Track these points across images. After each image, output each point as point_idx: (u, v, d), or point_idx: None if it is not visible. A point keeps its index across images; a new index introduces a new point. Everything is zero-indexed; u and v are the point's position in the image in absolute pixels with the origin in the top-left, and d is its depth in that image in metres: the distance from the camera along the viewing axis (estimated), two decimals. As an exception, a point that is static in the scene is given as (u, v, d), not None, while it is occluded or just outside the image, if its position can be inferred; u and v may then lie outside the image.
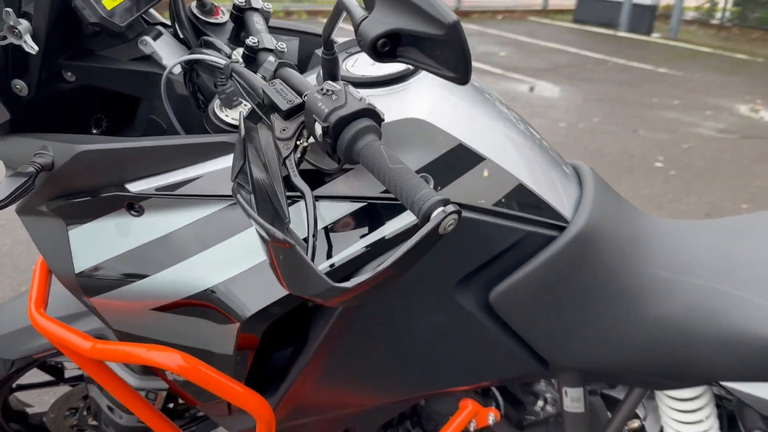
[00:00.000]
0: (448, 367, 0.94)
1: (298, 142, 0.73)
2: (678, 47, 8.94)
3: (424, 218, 0.61)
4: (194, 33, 0.96)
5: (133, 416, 1.36)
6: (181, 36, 0.97)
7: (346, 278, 0.68)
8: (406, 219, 0.79)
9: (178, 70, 0.91)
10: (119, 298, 0.89)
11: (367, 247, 0.79)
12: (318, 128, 0.68)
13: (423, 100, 0.83)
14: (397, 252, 0.60)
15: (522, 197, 0.84)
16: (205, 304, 0.84)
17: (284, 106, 0.73)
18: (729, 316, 0.88)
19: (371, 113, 0.69)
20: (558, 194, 0.89)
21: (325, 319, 0.86)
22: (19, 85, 0.89)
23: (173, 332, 0.89)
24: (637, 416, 1.09)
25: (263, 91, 0.76)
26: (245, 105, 0.84)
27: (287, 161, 0.72)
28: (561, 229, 0.87)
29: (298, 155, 0.73)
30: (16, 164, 0.88)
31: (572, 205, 0.90)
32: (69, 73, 0.93)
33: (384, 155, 0.66)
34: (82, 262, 0.89)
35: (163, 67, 0.90)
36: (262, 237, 0.60)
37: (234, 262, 0.81)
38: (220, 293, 0.82)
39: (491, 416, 1.04)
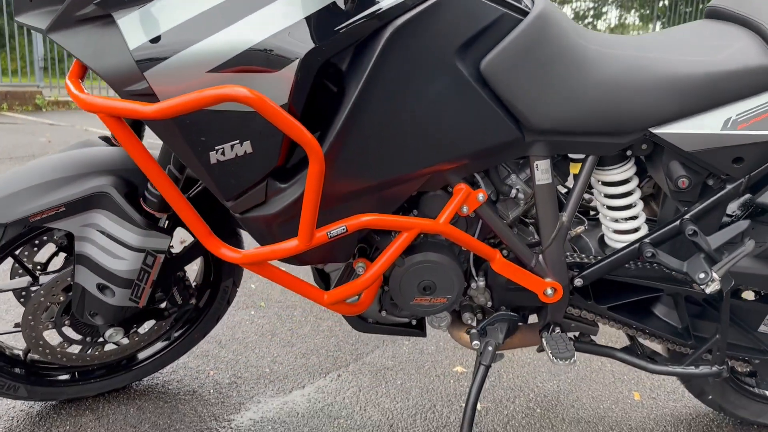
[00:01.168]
0: (446, 136, 1.18)
1: None
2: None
3: None
4: None
5: (125, 291, 1.39)
6: None
7: None
8: None
9: None
10: (176, 65, 1.03)
11: None
12: None
13: None
14: None
15: None
16: (256, 61, 1.03)
17: None
18: (656, 69, 1.24)
19: None
20: None
21: (354, 86, 1.10)
22: None
23: None
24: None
25: None
26: None
27: None
28: (527, 13, 1.18)
29: None
30: None
31: (531, 3, 1.22)
32: None
33: None
34: (136, 41, 1.03)
35: None
36: None
37: (279, 19, 1.03)
38: (272, 44, 1.03)
39: (480, 196, 1.27)
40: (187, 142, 1.07)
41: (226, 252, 1.16)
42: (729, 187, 1.29)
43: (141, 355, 1.73)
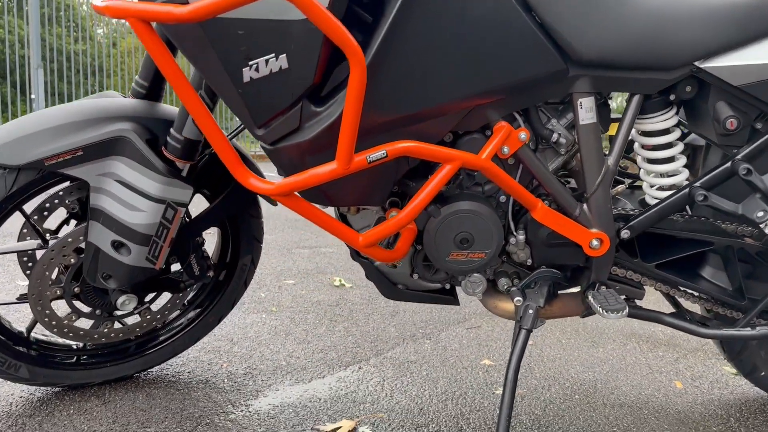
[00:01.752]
0: (487, 63, 1.12)
1: None
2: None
3: None
4: None
5: (142, 249, 1.29)
6: None
7: None
8: None
9: None
10: None
11: None
12: None
13: None
14: None
15: None
16: None
17: None
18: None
19: None
20: None
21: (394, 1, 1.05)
22: None
23: None
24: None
25: None
26: None
27: None
28: None
29: None
30: None
31: None
32: None
33: None
34: None
35: None
36: None
37: None
38: None
39: (522, 135, 1.21)
40: (219, 58, 1.01)
41: (255, 182, 1.08)
42: None
43: (151, 341, 1.61)
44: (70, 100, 9.44)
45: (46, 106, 9.09)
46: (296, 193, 1.12)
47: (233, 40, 1.00)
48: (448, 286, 1.42)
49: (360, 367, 1.78)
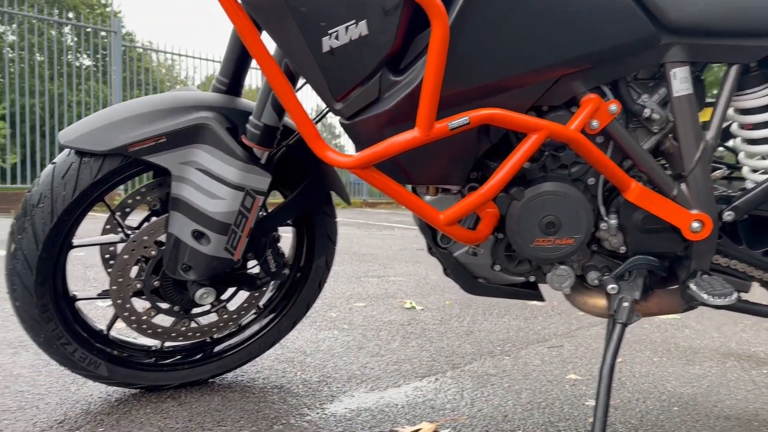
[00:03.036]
0: (574, 28, 1.08)
1: None
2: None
3: None
4: None
5: (221, 239, 1.28)
6: None
7: None
8: None
9: None
10: None
11: None
12: None
13: None
14: None
15: None
16: None
17: None
18: None
19: None
20: None
21: None
22: None
23: None
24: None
25: None
26: None
27: None
28: None
29: None
30: None
31: None
32: None
33: None
34: None
35: None
36: None
37: None
38: None
39: (613, 107, 1.14)
40: (299, 28, 1.01)
41: (333, 156, 1.06)
42: None
43: (226, 345, 1.59)
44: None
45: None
46: (375, 168, 1.09)
47: (313, 8, 1.01)
48: (532, 279, 1.34)
49: (436, 378, 1.70)
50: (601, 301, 1.32)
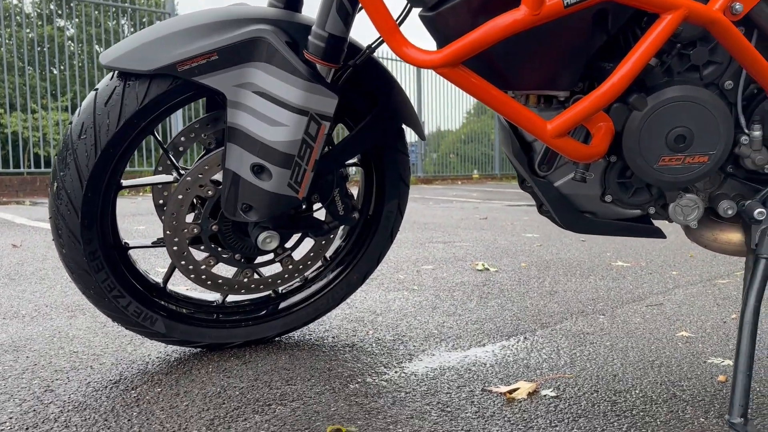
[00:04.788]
0: None
1: None
2: None
3: None
4: None
5: (284, 173, 1.13)
6: None
7: None
8: None
9: None
10: None
11: None
12: None
13: None
14: None
15: None
16: None
17: None
18: None
19: None
20: None
21: None
22: None
23: None
24: None
25: None
26: None
27: None
28: None
29: None
30: None
31: None
32: None
33: None
34: None
35: None
36: None
37: None
38: None
39: None
40: None
41: (413, 53, 0.87)
42: None
43: (292, 300, 1.44)
44: None
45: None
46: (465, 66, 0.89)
47: None
48: (652, 211, 1.12)
49: (525, 338, 1.50)
50: (735, 236, 1.10)
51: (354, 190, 1.39)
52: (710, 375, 1.24)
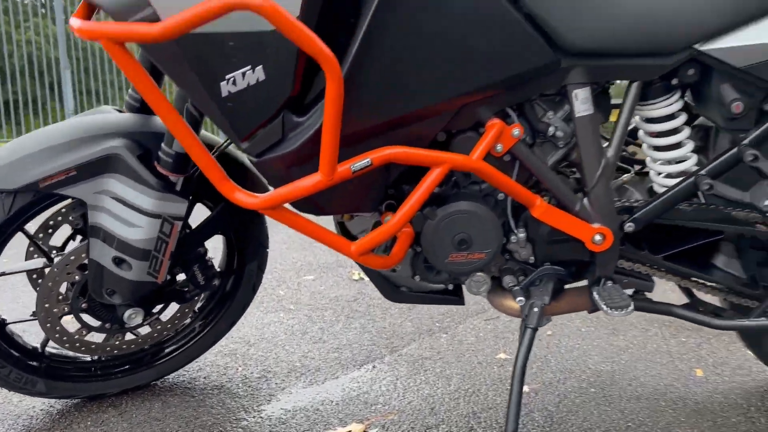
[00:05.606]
0: (474, 60, 1.09)
1: None
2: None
3: None
4: None
5: (143, 264, 1.31)
6: None
7: None
8: None
9: None
10: None
11: None
12: None
13: None
14: None
15: None
16: None
17: None
18: None
19: None
20: None
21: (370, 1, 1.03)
22: None
23: None
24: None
25: None
26: None
27: None
28: None
29: None
30: None
31: None
32: None
33: None
34: None
35: None
36: None
37: None
38: None
39: (515, 131, 1.18)
40: (196, 74, 1.01)
41: (241, 197, 1.07)
42: None
43: (165, 350, 1.64)
44: (98, 97, 9.71)
45: (76, 106, 9.34)
46: (288, 204, 1.11)
47: (208, 55, 0.99)
48: (451, 287, 1.40)
49: (374, 366, 1.78)
50: (515, 304, 1.39)
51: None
52: (507, 404, 1.55)
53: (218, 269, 1.60)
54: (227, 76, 1.01)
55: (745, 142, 1.19)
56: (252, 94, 1.02)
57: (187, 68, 1.00)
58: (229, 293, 1.64)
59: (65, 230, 1.46)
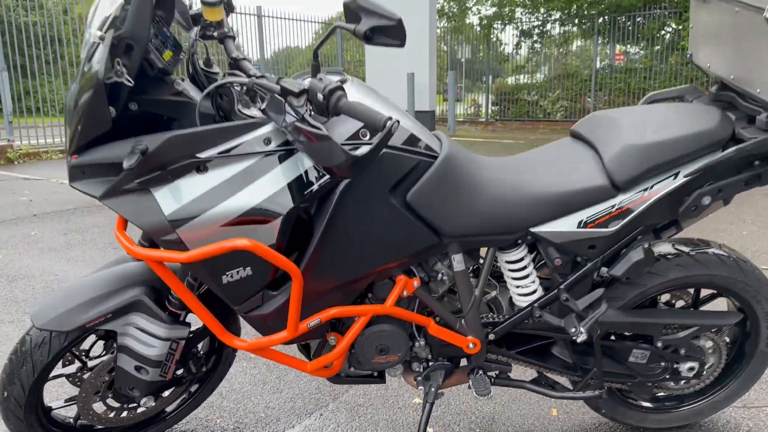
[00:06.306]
0: (388, 246, 1.67)
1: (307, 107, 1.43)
2: (458, 140, 11.57)
3: (383, 126, 1.34)
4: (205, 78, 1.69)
5: (156, 370, 1.85)
6: (196, 79, 1.70)
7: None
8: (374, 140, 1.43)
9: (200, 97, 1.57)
10: (198, 223, 1.50)
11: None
12: (319, 97, 1.39)
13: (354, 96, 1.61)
14: (375, 139, 1.37)
15: (413, 141, 1.65)
16: (253, 217, 1.52)
17: (297, 89, 1.41)
18: (529, 188, 1.77)
19: (341, 87, 1.41)
20: (432, 140, 1.71)
21: (321, 221, 1.59)
22: (111, 110, 1.46)
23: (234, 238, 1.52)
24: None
25: (281, 85, 1.42)
26: (257, 104, 1.49)
27: (304, 116, 1.41)
28: (436, 157, 1.68)
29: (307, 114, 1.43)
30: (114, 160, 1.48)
31: (439, 146, 1.71)
32: (134, 104, 1.55)
33: (351, 103, 1.39)
34: (168, 207, 1.49)
35: (191, 98, 1.60)
36: (309, 136, 1.38)
37: (268, 188, 1.52)
38: (263, 205, 1.52)
39: (415, 283, 1.78)
40: (208, 273, 1.56)
41: (237, 343, 1.64)
42: (589, 264, 1.82)
43: (166, 410, 2.18)
44: (25, 70, 9.80)
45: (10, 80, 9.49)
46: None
47: (216, 264, 1.55)
48: (376, 373, 2.01)
49: (321, 414, 2.37)
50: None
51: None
52: (417, 444, 2.18)
53: (203, 353, 2.15)
54: (227, 273, 1.57)
55: (562, 286, 1.83)
56: (243, 283, 1.58)
57: (202, 270, 1.55)
58: (212, 370, 2.20)
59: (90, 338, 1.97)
